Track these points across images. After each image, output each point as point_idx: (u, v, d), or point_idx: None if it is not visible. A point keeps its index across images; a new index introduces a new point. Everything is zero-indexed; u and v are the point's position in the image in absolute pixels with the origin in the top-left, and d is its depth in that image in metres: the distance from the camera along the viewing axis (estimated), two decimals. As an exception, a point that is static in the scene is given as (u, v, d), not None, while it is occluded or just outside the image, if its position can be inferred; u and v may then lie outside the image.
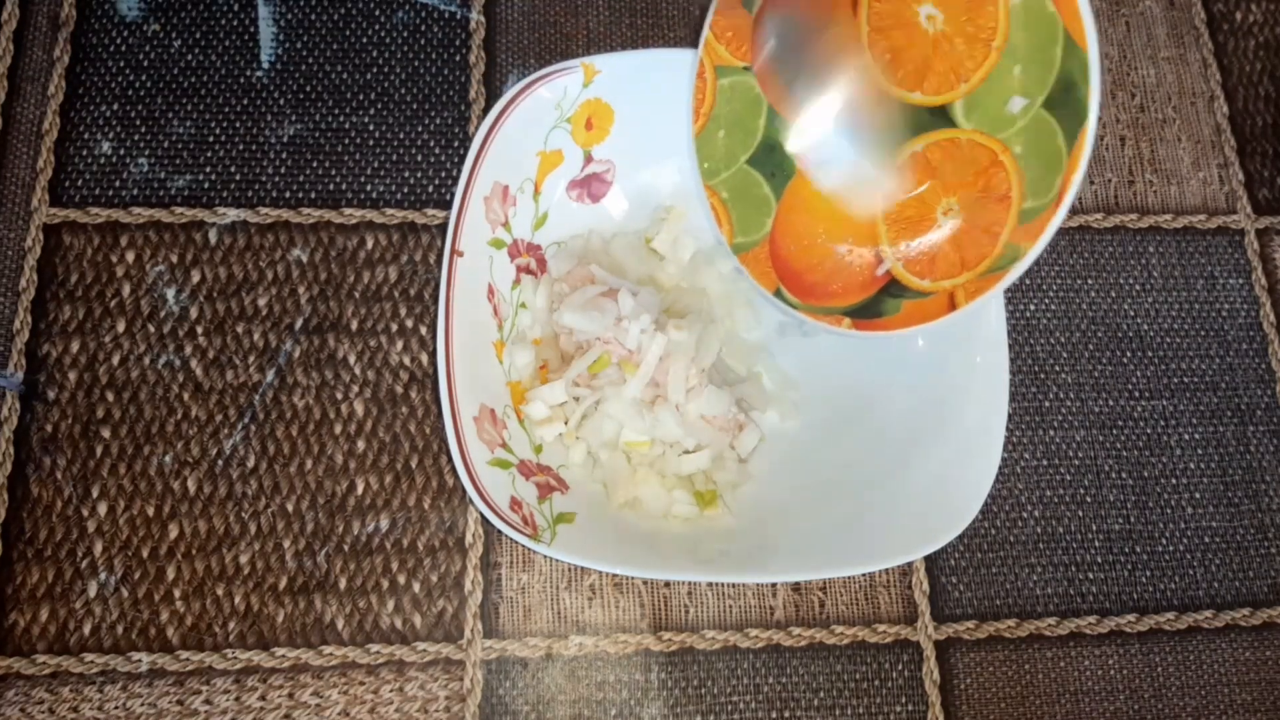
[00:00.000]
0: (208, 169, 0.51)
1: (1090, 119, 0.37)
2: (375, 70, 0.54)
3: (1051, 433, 0.51)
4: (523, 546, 0.46)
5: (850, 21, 0.43)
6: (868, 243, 0.44)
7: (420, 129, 0.53)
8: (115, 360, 0.48)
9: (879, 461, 0.46)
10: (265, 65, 0.53)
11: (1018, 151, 0.40)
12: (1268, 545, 0.51)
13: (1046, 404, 0.52)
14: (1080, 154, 0.37)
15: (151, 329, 0.49)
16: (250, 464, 0.47)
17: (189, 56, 0.53)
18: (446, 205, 0.52)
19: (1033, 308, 0.53)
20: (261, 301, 0.50)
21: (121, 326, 0.49)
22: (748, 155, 0.47)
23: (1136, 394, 0.53)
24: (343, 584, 0.46)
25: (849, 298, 0.45)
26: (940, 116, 0.42)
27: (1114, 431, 0.52)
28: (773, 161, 0.46)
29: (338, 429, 0.48)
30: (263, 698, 0.44)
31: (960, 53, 0.40)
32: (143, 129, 0.51)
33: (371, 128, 0.53)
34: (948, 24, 0.41)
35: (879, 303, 0.44)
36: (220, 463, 0.47)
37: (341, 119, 0.53)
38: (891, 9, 0.42)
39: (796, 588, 0.48)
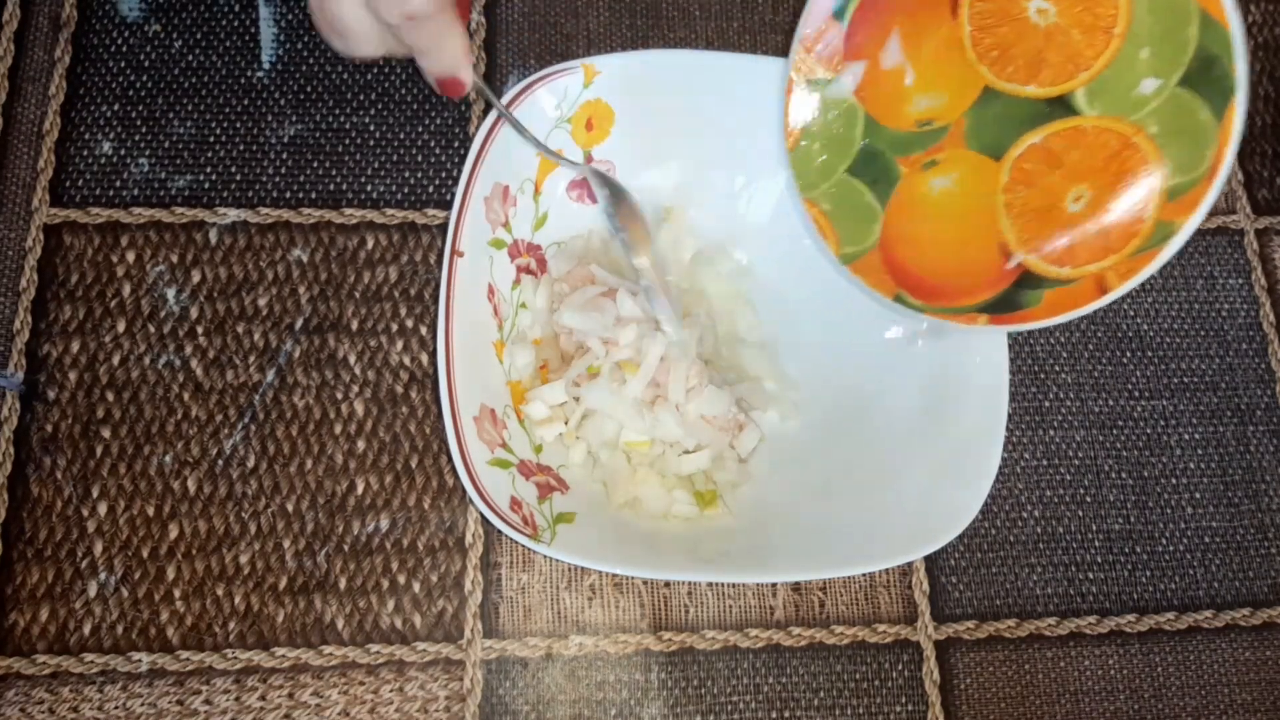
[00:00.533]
0: (208, 169, 0.51)
1: (1239, 91, 0.37)
2: (375, 70, 0.54)
3: (1051, 433, 0.51)
4: (523, 546, 0.46)
5: (950, 24, 0.43)
6: (991, 239, 0.43)
7: (421, 129, 0.53)
8: (115, 360, 0.48)
9: (879, 461, 0.46)
10: (266, 66, 0.53)
11: (1153, 131, 0.39)
12: (1268, 545, 0.51)
13: (1046, 404, 0.52)
14: (1231, 125, 0.37)
15: (152, 329, 0.49)
16: (250, 464, 0.47)
17: (190, 57, 0.53)
18: (447, 205, 0.52)
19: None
20: (262, 301, 0.50)
21: (122, 326, 0.49)
22: (847, 165, 0.46)
23: (1136, 394, 0.53)
24: (343, 584, 0.46)
25: (980, 294, 0.44)
26: (1060, 106, 0.41)
27: (1114, 431, 0.52)
28: (875, 169, 0.46)
29: (338, 429, 0.48)
30: (263, 698, 0.44)
31: (1077, 42, 0.40)
32: (143, 129, 0.52)
33: (372, 128, 0.53)
34: (1061, 16, 0.40)
35: (1016, 295, 0.43)
36: (220, 463, 0.47)
37: (342, 119, 0.53)
38: (996, 7, 0.42)
39: (796, 588, 0.48)
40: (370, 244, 0.51)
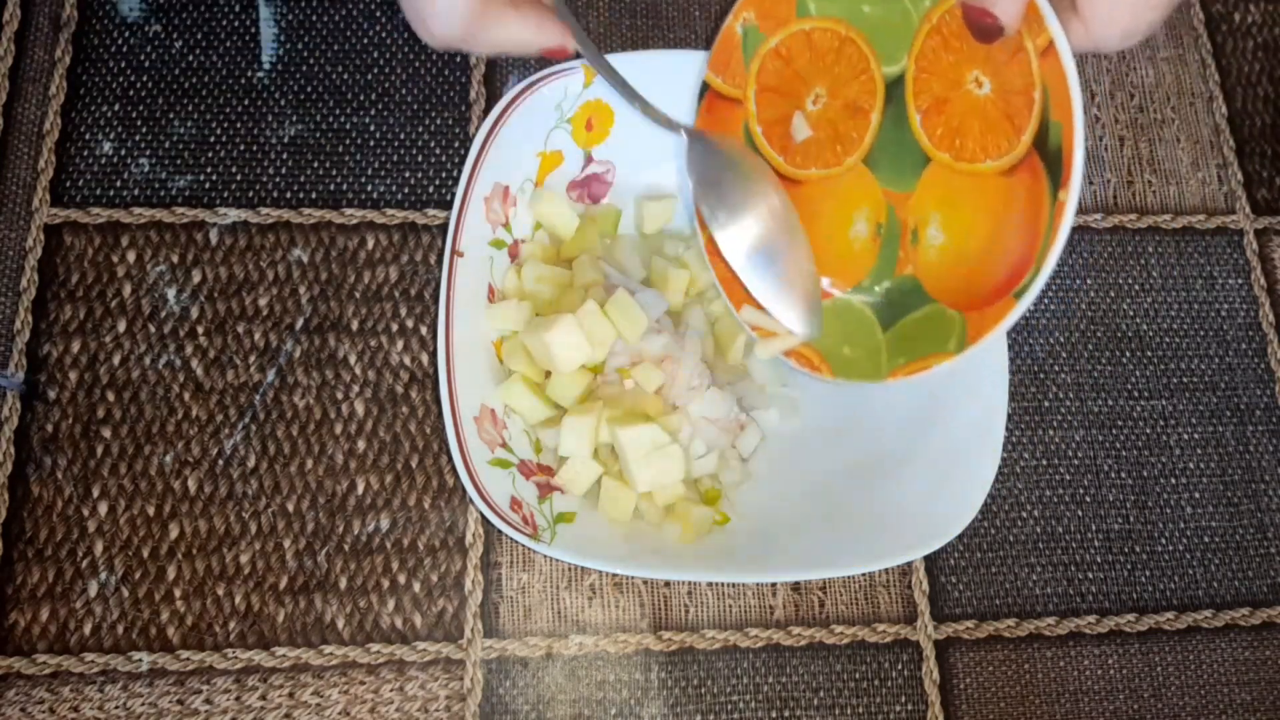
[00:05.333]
0: (209, 169, 0.51)
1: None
2: (376, 71, 0.54)
3: (1051, 432, 0.51)
4: (523, 546, 0.46)
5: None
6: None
7: (421, 129, 0.53)
8: (116, 360, 0.48)
9: (879, 461, 0.46)
10: (266, 66, 0.53)
11: None
12: (1267, 545, 0.51)
13: (1046, 404, 0.52)
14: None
15: (152, 329, 0.49)
16: (251, 464, 0.47)
17: (190, 57, 0.53)
18: (447, 205, 0.52)
19: (1032, 307, 0.53)
20: (262, 301, 0.50)
21: (122, 326, 0.49)
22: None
23: (1136, 394, 0.53)
24: (343, 584, 0.46)
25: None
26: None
27: (1113, 431, 0.52)
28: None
29: (338, 429, 0.48)
30: (263, 697, 0.44)
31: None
32: (144, 129, 0.52)
33: (372, 128, 0.53)
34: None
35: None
36: (221, 462, 0.47)
37: (342, 119, 0.53)
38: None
39: (796, 587, 0.48)
40: (370, 244, 0.51)
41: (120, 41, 0.53)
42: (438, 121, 0.53)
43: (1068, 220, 0.36)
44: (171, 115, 0.52)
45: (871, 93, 0.43)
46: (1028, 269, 0.38)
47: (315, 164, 0.52)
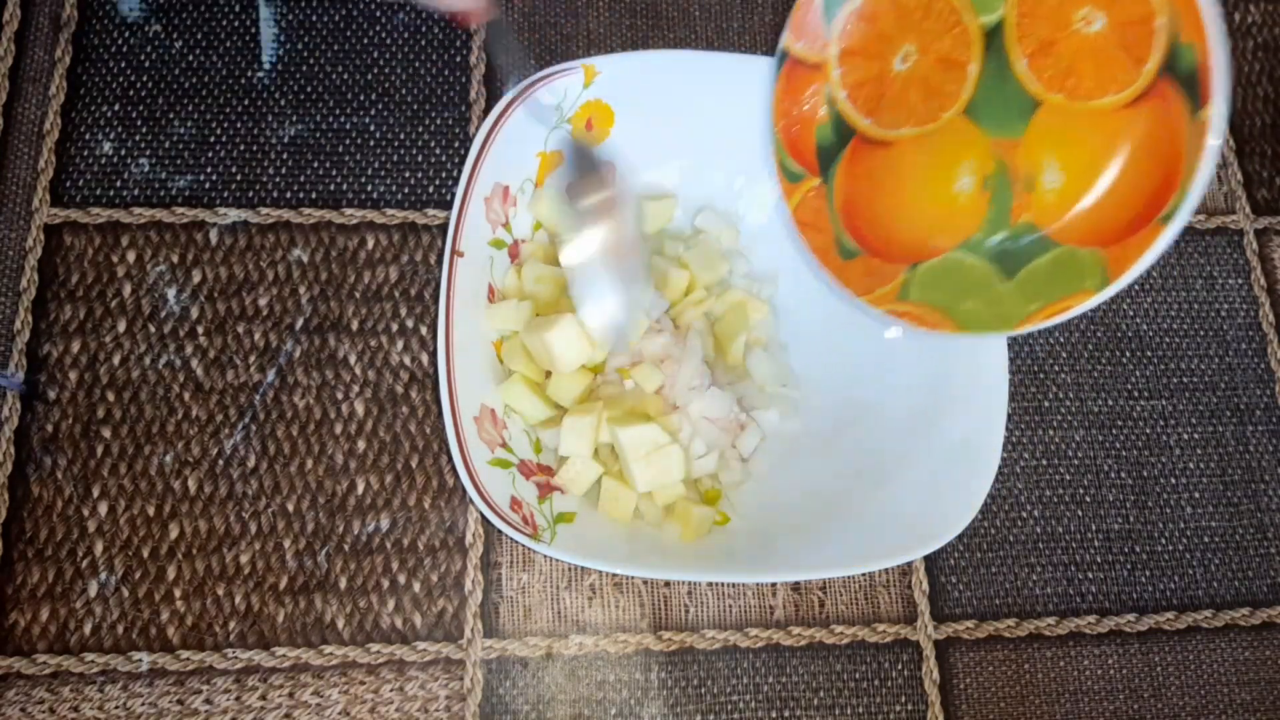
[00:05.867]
0: (209, 169, 0.51)
1: None
2: (376, 71, 0.54)
3: (1051, 432, 0.51)
4: (523, 546, 0.46)
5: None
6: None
7: (421, 130, 0.53)
8: (116, 360, 0.48)
9: (879, 461, 0.46)
10: (266, 66, 0.53)
11: None
12: (1267, 545, 0.51)
13: (1046, 404, 0.52)
14: None
15: (152, 329, 0.49)
16: (251, 464, 0.47)
17: (190, 57, 0.53)
18: (447, 205, 0.52)
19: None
20: (262, 301, 0.50)
21: (122, 326, 0.49)
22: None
23: (1136, 394, 0.53)
24: (343, 584, 0.46)
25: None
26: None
27: (1113, 431, 0.52)
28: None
29: (338, 429, 0.48)
30: (263, 697, 0.44)
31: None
32: (144, 129, 0.52)
33: (372, 128, 0.53)
34: None
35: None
36: (221, 462, 0.47)
37: (342, 120, 0.53)
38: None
39: (796, 587, 0.48)
40: (370, 244, 0.51)
41: (120, 41, 0.53)
42: (438, 121, 0.53)
43: (1215, 136, 0.36)
44: (171, 115, 0.52)
45: (966, 44, 0.43)
46: (1170, 193, 0.38)
47: (315, 164, 0.52)
